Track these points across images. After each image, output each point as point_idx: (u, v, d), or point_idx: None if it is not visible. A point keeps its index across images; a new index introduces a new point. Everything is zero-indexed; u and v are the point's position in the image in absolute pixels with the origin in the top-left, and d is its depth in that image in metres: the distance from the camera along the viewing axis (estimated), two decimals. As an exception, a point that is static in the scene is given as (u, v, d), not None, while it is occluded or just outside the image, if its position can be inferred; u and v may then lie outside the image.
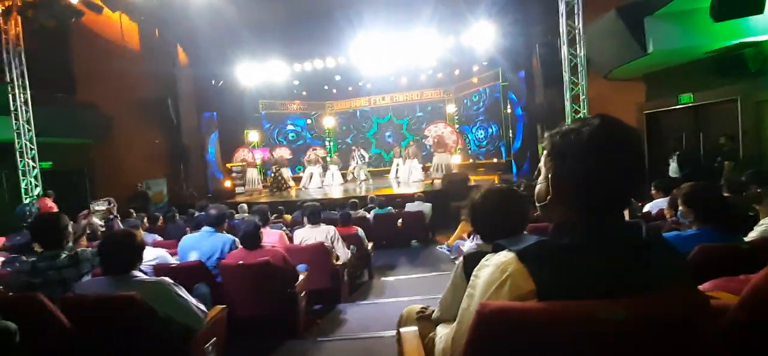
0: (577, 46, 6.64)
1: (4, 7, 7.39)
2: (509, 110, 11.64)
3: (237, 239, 3.16)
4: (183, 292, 2.03)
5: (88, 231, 4.41)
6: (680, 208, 2.14)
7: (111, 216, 4.37)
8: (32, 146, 7.94)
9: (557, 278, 0.74)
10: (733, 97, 6.60)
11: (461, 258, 1.25)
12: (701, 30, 5.78)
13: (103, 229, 5.17)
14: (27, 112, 7.87)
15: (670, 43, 6.02)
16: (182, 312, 1.99)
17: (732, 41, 5.82)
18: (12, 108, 7.70)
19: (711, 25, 5.29)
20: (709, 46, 6.08)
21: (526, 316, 0.73)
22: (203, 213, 4.30)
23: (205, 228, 3.20)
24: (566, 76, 6.78)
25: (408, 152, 11.93)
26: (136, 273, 2.01)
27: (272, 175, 12.20)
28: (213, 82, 12.27)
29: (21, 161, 7.82)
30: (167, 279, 2.02)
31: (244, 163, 12.37)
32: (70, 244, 2.40)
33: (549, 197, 0.83)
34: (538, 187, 0.88)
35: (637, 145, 0.79)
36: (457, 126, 13.89)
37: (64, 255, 2.23)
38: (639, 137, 0.80)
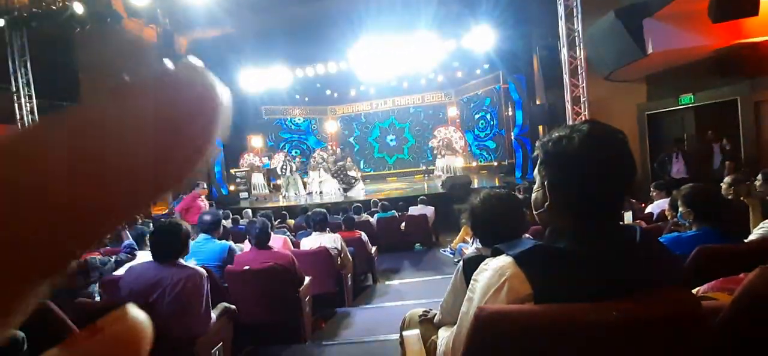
0: (577, 48, 6.67)
1: (9, 18, 7.50)
2: (510, 113, 11.66)
3: (233, 245, 3.17)
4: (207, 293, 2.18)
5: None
6: (680, 209, 2.16)
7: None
8: (38, 155, 8.01)
9: (553, 281, 0.76)
10: (733, 97, 6.60)
11: (461, 262, 1.28)
12: (700, 31, 5.79)
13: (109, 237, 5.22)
14: (33, 121, 7.95)
15: (669, 44, 6.03)
16: (198, 309, 2.12)
17: (731, 43, 5.84)
18: (18, 117, 7.80)
19: (710, 27, 5.31)
20: (708, 48, 6.09)
21: (523, 319, 0.75)
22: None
23: (202, 235, 3.16)
24: (566, 78, 6.81)
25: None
26: (182, 260, 2.17)
27: (284, 177, 12.02)
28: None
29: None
30: (203, 271, 2.17)
31: (249, 168, 12.36)
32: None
33: (547, 203, 0.85)
34: (534, 195, 0.90)
35: (625, 147, 0.81)
36: (458, 129, 13.91)
37: (73, 262, 2.26)
38: (625, 138, 0.81)
